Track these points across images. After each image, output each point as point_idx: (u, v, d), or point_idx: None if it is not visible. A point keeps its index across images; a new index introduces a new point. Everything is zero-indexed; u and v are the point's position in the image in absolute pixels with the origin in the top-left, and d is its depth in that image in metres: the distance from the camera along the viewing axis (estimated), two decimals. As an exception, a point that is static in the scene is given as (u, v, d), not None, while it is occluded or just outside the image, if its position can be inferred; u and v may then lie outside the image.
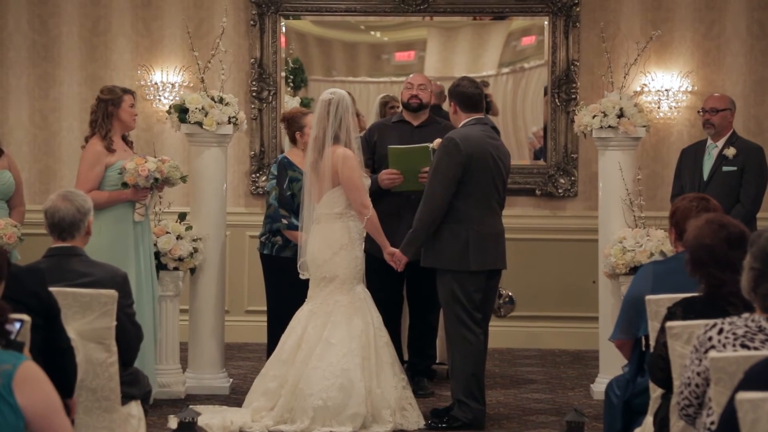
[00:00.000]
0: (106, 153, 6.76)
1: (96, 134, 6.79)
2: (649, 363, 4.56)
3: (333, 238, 6.51)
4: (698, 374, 3.72)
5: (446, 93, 8.08)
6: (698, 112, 7.97)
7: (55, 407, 2.95)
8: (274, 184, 7.18)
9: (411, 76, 7.62)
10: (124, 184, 6.70)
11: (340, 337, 6.39)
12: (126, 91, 6.92)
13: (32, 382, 2.92)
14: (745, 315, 3.67)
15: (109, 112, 6.79)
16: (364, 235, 6.62)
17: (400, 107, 7.66)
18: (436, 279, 6.58)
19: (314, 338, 6.43)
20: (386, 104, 8.63)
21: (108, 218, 6.66)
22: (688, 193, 5.60)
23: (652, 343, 4.59)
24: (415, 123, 7.44)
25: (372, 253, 6.78)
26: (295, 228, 6.96)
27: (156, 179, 6.71)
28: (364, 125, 7.80)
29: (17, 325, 3.47)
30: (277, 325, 7.02)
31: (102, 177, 6.74)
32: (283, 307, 7.00)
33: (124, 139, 6.96)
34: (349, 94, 6.69)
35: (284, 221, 7.06)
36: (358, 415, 6.26)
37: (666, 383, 4.31)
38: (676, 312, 4.28)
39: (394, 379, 6.44)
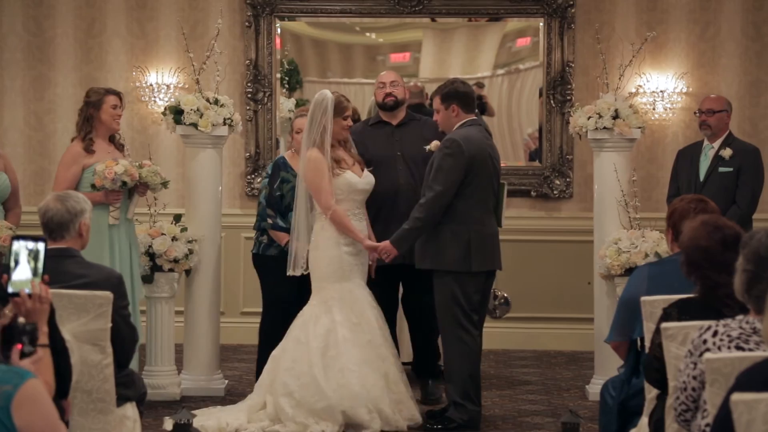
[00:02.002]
0: (84, 154, 6.80)
1: (78, 136, 6.87)
2: (644, 364, 4.56)
3: (314, 238, 6.61)
4: (694, 378, 3.72)
5: (427, 93, 8.06)
6: (695, 113, 7.98)
7: (52, 428, 2.95)
8: (266, 183, 7.19)
9: (382, 74, 7.51)
10: (93, 186, 6.71)
11: (306, 336, 6.45)
12: (110, 92, 6.92)
13: (31, 404, 2.92)
14: (739, 317, 3.67)
15: (89, 115, 6.86)
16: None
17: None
18: (432, 281, 6.57)
19: (289, 338, 6.52)
20: None
21: None
22: (686, 195, 5.60)
23: (647, 344, 4.60)
24: (394, 122, 7.38)
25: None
26: (280, 229, 7.00)
27: (124, 183, 6.69)
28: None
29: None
30: (267, 323, 7.15)
31: (79, 178, 6.77)
32: (270, 304, 7.12)
33: (114, 141, 6.96)
34: (344, 97, 6.70)
35: (269, 221, 7.08)
36: (329, 412, 6.27)
37: (661, 384, 4.32)
38: (672, 313, 4.28)
39: (373, 375, 6.42)
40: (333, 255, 6.56)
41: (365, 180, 6.71)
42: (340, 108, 6.60)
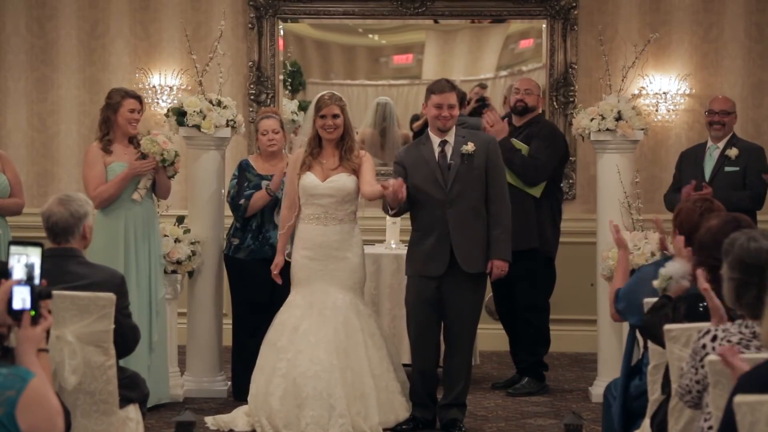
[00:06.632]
0: (102, 154, 6.85)
1: (97, 136, 6.93)
2: (644, 323, 4.58)
3: None
4: (697, 382, 3.71)
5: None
6: (705, 112, 7.91)
7: (56, 426, 2.96)
8: (234, 183, 7.24)
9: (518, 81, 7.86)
10: (143, 155, 6.81)
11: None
12: (129, 95, 6.92)
13: (36, 407, 2.93)
14: (739, 321, 3.64)
15: (107, 116, 6.90)
16: (309, 238, 6.50)
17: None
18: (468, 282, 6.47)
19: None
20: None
21: None
22: (693, 195, 5.60)
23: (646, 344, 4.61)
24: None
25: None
26: (252, 193, 7.07)
27: (177, 153, 6.84)
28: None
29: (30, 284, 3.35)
30: (236, 326, 7.20)
31: (105, 175, 6.80)
32: (239, 307, 7.18)
33: (133, 142, 6.97)
34: (330, 94, 6.52)
35: (242, 201, 7.09)
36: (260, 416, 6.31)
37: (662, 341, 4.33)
38: (680, 307, 4.27)
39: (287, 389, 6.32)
40: (294, 259, 6.55)
41: (327, 185, 6.41)
42: (316, 106, 6.50)
